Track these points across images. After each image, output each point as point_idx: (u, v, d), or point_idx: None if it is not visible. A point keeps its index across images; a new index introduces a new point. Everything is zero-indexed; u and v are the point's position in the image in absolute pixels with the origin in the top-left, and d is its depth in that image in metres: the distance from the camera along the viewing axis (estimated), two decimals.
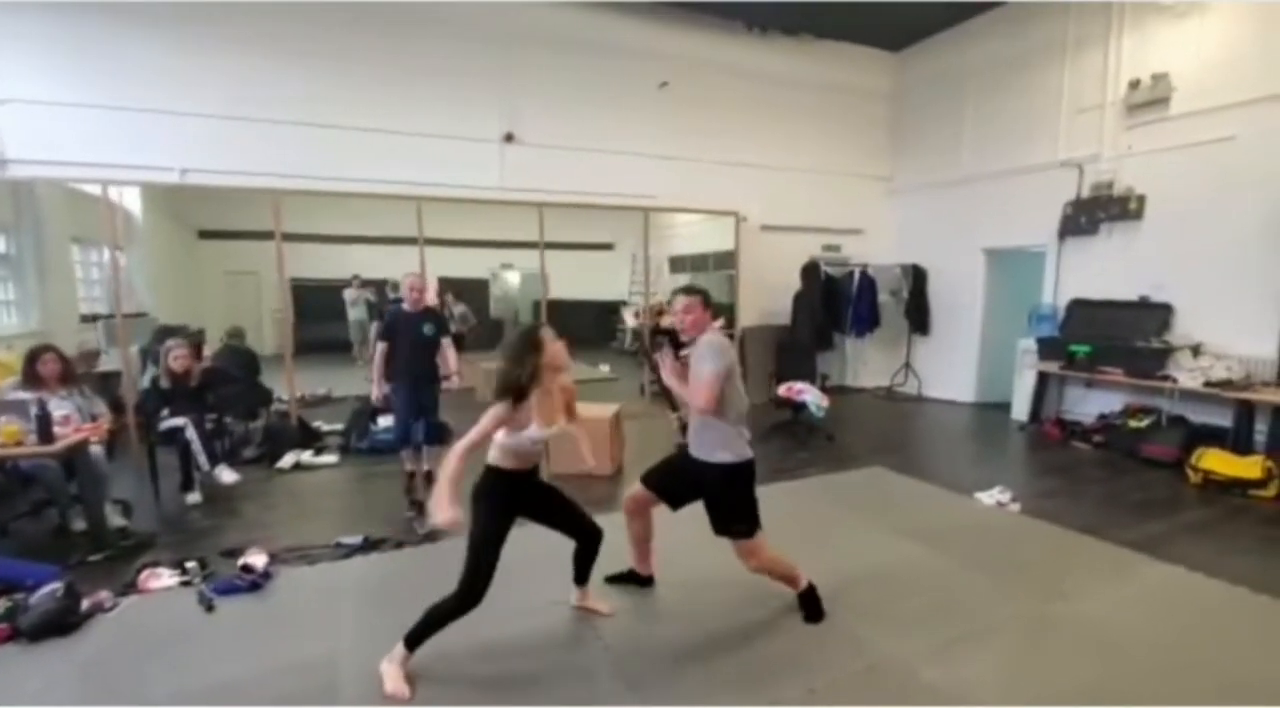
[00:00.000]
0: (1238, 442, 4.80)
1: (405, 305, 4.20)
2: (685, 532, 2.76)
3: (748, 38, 7.47)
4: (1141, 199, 5.78)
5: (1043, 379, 6.34)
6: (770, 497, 4.24)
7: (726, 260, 7.70)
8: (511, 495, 2.32)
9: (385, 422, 4.69)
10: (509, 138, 6.53)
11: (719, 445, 2.45)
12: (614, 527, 2.80)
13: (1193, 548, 3.46)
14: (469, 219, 7.88)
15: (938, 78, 7.79)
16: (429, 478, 4.46)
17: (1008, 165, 6.97)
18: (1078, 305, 6.30)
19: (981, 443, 6.18)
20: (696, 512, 2.59)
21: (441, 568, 2.33)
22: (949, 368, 7.81)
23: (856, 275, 7.86)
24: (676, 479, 2.63)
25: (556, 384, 2.33)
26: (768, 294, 7.78)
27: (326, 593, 2.91)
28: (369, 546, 3.43)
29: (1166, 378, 5.20)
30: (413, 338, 4.15)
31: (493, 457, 2.30)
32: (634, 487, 2.74)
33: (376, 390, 4.18)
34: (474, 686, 2.20)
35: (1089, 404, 6.15)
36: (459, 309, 9.15)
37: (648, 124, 7.14)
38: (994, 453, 5.80)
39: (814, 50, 7.83)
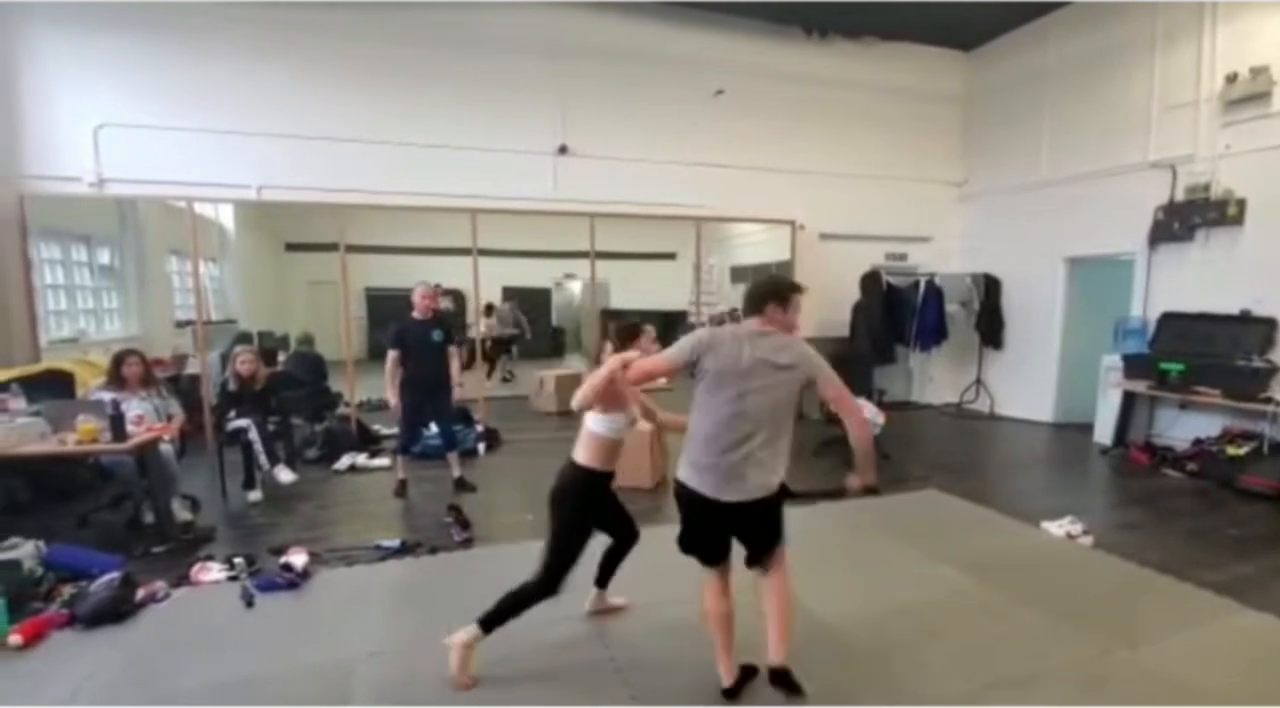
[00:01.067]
0: None
1: (415, 314, 4.36)
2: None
3: (805, 43, 7.31)
4: (1242, 203, 5.23)
5: (1129, 399, 5.83)
6: (814, 518, 4.12)
7: (788, 270, 7.51)
8: (599, 495, 2.37)
9: (434, 428, 4.83)
10: (563, 150, 6.63)
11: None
12: (652, 539, 2.73)
13: None
14: (532, 230, 8.08)
15: (1014, 77, 7.36)
16: (461, 484, 4.57)
17: (1092, 168, 6.48)
18: (1170, 319, 5.77)
19: (1056, 467, 5.73)
20: None
21: (473, 575, 2.36)
22: (1025, 385, 7.31)
23: (922, 285, 7.50)
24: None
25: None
26: (826, 305, 7.52)
27: (358, 595, 3.00)
28: (405, 549, 3.52)
29: (1269, 401, 4.67)
30: (422, 345, 4.33)
31: (584, 456, 2.31)
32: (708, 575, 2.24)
33: (392, 398, 4.34)
34: (479, 702, 2.20)
35: (1182, 428, 5.60)
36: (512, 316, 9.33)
37: (702, 133, 7.09)
38: (1069, 479, 5.36)
39: (878, 53, 7.56)
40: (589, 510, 2.33)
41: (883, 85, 7.62)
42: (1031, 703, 2.19)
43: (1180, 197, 5.68)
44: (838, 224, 7.57)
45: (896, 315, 7.43)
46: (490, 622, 2.26)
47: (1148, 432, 5.88)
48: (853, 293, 7.49)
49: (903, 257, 8.03)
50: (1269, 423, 4.77)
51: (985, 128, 7.83)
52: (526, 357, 9.65)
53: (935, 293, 7.50)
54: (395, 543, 3.55)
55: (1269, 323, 5.04)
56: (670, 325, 11.09)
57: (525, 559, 2.31)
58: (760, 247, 8.87)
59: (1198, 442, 5.31)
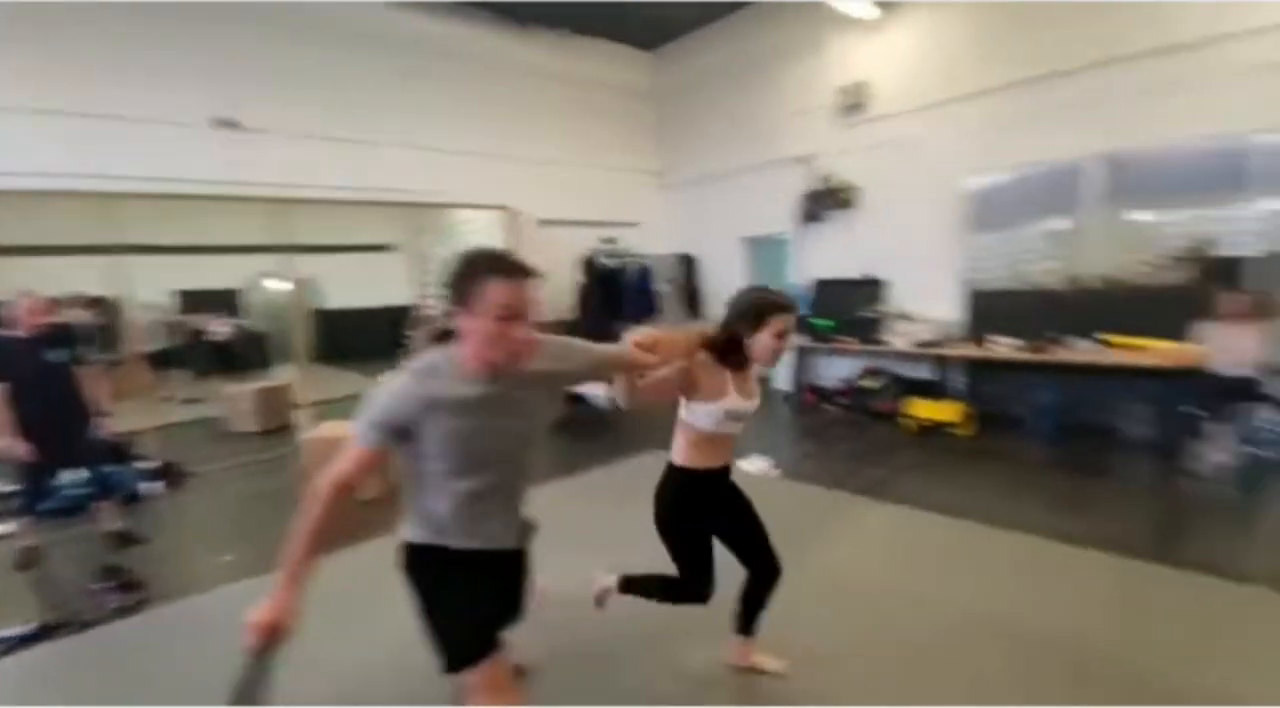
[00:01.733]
0: (940, 391, 5.77)
1: (18, 332, 3.43)
2: None
3: (508, 30, 7.29)
4: (855, 190, 6.68)
5: (801, 352, 7.08)
6: (547, 496, 4.21)
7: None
8: (702, 496, 2.05)
9: (71, 475, 3.77)
10: (226, 123, 5.63)
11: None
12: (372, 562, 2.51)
13: (910, 485, 4.04)
14: (204, 220, 6.77)
15: (692, 76, 8.27)
16: (123, 537, 3.68)
17: (754, 160, 7.62)
18: (824, 285, 7.12)
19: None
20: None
21: (147, 643, 1.88)
22: None
23: (631, 267, 8.10)
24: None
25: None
26: (552, 289, 7.71)
27: None
28: (44, 634, 2.72)
29: (883, 342, 6.10)
30: (33, 371, 3.39)
31: (679, 454, 2.03)
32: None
33: (17, 446, 3.31)
34: None
35: (835, 370, 6.96)
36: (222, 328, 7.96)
37: (408, 114, 6.65)
38: (761, 423, 6.35)
39: (574, 46, 7.88)
40: (691, 514, 2.05)
41: (585, 78, 7.98)
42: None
43: (814, 186, 7.00)
44: (555, 210, 7.77)
45: (613, 295, 7.93)
46: (628, 586, 2.29)
47: (813, 377, 7.21)
48: (575, 277, 7.81)
49: (614, 240, 8.56)
50: (889, 360, 6.24)
51: (674, 122, 8.69)
52: (213, 370, 8.12)
53: (644, 273, 8.17)
54: (28, 629, 2.72)
55: (879, 283, 6.55)
56: (395, 322, 10.35)
57: (221, 610, 1.93)
58: (485, 234, 8.71)
59: (846, 380, 6.69)
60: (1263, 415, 3.95)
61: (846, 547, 3.18)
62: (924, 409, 5.45)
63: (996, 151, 5.69)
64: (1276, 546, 3.21)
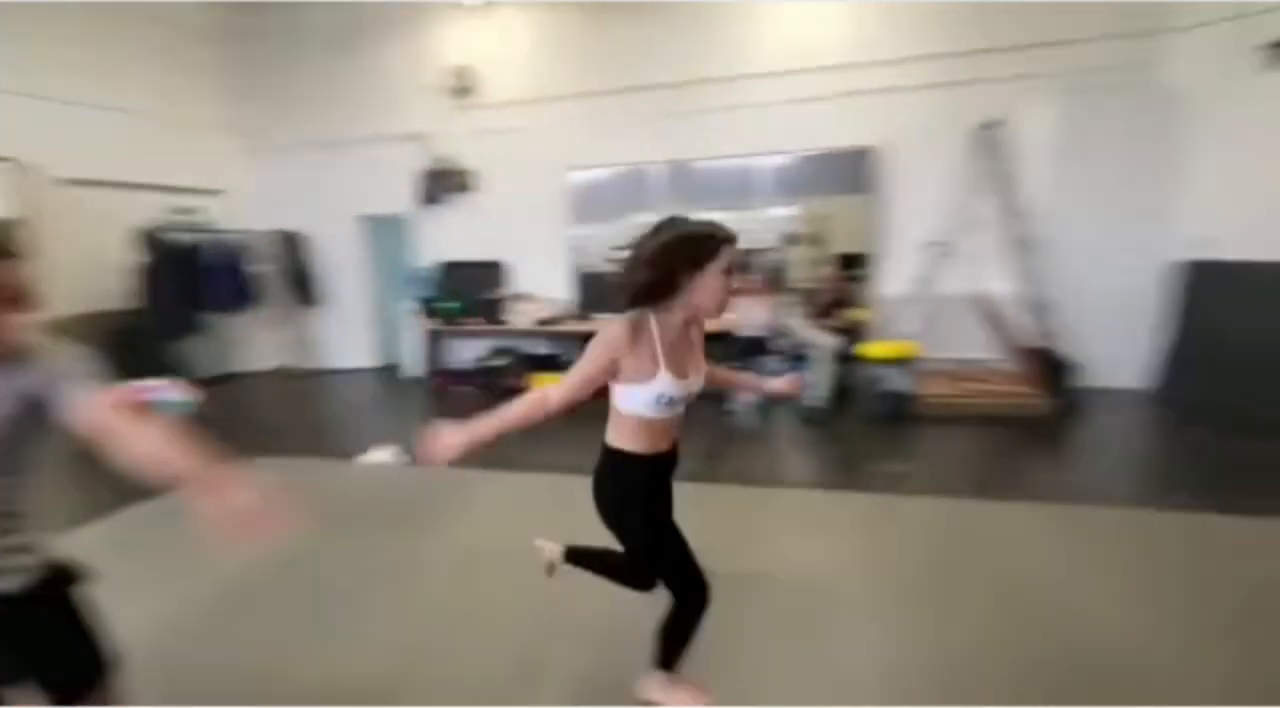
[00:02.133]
0: (559, 364, 6.33)
1: None
2: None
3: None
4: (472, 174, 6.80)
5: (434, 335, 6.93)
6: (112, 531, 3.33)
7: (22, 228, 5.49)
8: (648, 479, 1.75)
9: None
10: None
11: None
12: None
13: (528, 453, 4.35)
14: None
15: (288, 27, 7.16)
16: None
17: (367, 132, 7.05)
18: (451, 267, 7.06)
19: (377, 405, 6.41)
20: None
21: None
22: (348, 336, 7.72)
23: (213, 244, 6.78)
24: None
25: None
26: (93, 271, 5.96)
27: None
28: None
29: (507, 322, 6.42)
30: None
31: (615, 437, 1.71)
32: None
33: None
34: None
35: (469, 351, 7.01)
36: None
37: None
38: (388, 412, 6.11)
39: None
40: (641, 494, 1.74)
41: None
42: (355, 604, 2.41)
43: (431, 166, 6.87)
44: (89, 168, 5.99)
45: (191, 279, 6.52)
46: (576, 557, 2.05)
47: (444, 360, 7.16)
48: (131, 255, 6.18)
49: (192, 211, 7.05)
50: (514, 339, 6.58)
51: (268, 77, 7.41)
52: None
53: (231, 252, 6.93)
54: None
55: (500, 265, 6.83)
56: None
57: None
58: None
59: (478, 360, 6.81)
60: (772, 364, 5.39)
61: (472, 519, 3.29)
62: (545, 382, 5.85)
63: (593, 150, 6.44)
64: (786, 457, 4.46)
